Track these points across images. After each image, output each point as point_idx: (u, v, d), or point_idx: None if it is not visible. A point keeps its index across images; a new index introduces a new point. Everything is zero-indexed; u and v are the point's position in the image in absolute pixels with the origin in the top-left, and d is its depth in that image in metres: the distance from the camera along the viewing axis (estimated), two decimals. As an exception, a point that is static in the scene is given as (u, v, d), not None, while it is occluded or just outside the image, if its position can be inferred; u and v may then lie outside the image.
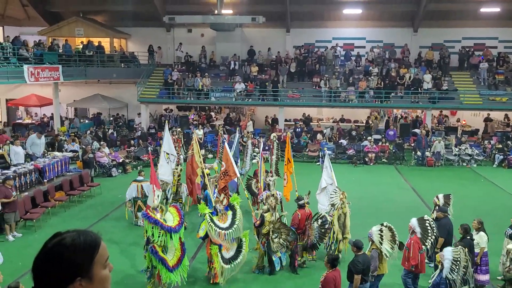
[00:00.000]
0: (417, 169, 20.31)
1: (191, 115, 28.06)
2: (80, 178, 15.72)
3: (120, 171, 18.88)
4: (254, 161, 15.81)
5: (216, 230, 8.94)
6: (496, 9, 25.66)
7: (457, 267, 7.13)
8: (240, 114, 28.84)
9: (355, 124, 26.07)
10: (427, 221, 8.54)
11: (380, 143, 21.89)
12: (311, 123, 26.13)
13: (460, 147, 21.33)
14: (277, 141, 14.51)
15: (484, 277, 8.93)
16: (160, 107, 28.40)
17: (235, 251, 9.47)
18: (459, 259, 7.14)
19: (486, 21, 26.45)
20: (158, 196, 10.23)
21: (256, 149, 15.48)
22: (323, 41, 27.94)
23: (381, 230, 8.25)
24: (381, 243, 8.14)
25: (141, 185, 12.64)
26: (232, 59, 27.00)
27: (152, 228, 8.52)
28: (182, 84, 25.60)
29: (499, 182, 17.89)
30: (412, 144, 22.33)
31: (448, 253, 7.39)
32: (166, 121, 15.53)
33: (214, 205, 9.84)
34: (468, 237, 8.60)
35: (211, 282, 9.29)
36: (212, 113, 29.25)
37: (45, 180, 14.39)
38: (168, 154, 12.59)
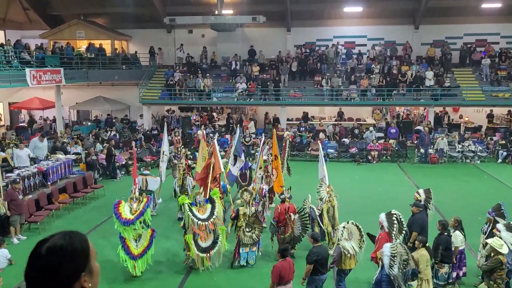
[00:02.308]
0: (420, 167, 20.26)
1: (193, 116, 28.08)
2: (84, 180, 15.76)
3: (123, 172, 18.91)
4: (265, 157, 15.98)
5: (193, 220, 9.59)
6: (498, 5, 25.56)
7: (395, 262, 7.21)
8: (242, 114, 28.84)
9: (358, 122, 26.03)
10: (394, 215, 8.69)
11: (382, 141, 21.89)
12: (312, 122, 26.13)
13: (463, 144, 21.27)
14: (290, 139, 14.81)
15: (454, 274, 8.96)
16: (162, 108, 28.44)
17: (211, 243, 9.88)
18: (396, 254, 7.22)
19: (488, 16, 26.36)
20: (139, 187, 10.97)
21: (267, 146, 15.73)
22: (324, 40, 27.92)
23: (344, 227, 8.41)
24: (347, 240, 8.27)
25: (146, 179, 13.30)
26: (233, 59, 27.00)
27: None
28: (184, 85, 25.61)
29: (503, 179, 17.83)
30: (415, 142, 22.29)
31: (386, 249, 7.48)
32: (166, 123, 15.95)
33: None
34: (446, 233, 8.64)
35: (190, 267, 9.91)
36: (214, 114, 29.27)
37: (49, 183, 14.42)
38: (164, 153, 13.50)
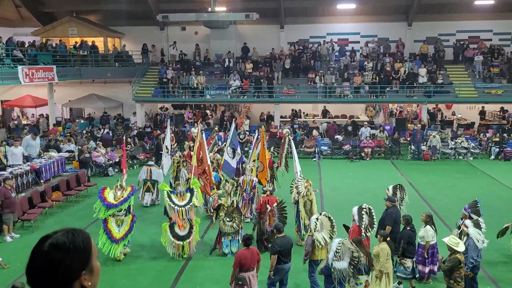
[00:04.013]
0: (413, 163, 20.35)
1: (187, 113, 28.02)
2: (77, 178, 15.69)
3: (117, 170, 18.81)
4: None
5: (171, 205, 10.21)
6: (490, 2, 25.68)
7: (337, 258, 7.44)
8: (236, 111, 28.79)
9: (351, 119, 26.06)
10: (364, 209, 8.95)
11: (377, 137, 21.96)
12: (306, 119, 26.17)
13: (456, 141, 21.38)
14: (289, 136, 15.19)
15: (427, 269, 9.09)
16: (156, 106, 28.35)
17: (188, 231, 10.38)
18: (339, 250, 7.46)
19: (480, 13, 26.47)
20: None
21: None
22: (318, 37, 27.93)
23: (317, 219, 8.60)
24: (318, 231, 8.45)
25: (150, 169, 14.34)
26: (226, 56, 26.96)
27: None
28: (177, 82, 25.55)
29: (496, 175, 17.95)
30: (408, 139, 22.39)
31: (334, 244, 7.71)
32: (168, 120, 16.65)
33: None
34: (408, 228, 8.82)
35: (174, 256, 10.34)
36: (208, 111, 29.20)
37: (42, 181, 14.35)
38: (167, 149, 14.29)
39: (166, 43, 28.91)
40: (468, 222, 8.70)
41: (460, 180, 17.47)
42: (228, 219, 10.44)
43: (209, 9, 24.39)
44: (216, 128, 22.58)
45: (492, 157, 20.88)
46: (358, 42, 27.73)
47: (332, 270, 7.46)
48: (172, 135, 21.30)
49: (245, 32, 28.45)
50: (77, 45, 26.41)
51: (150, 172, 14.27)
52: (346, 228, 9.12)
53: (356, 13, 27.35)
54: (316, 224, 8.48)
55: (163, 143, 20.64)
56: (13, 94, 26.69)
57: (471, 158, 20.86)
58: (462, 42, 26.56)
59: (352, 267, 7.35)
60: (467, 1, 25.93)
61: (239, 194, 12.69)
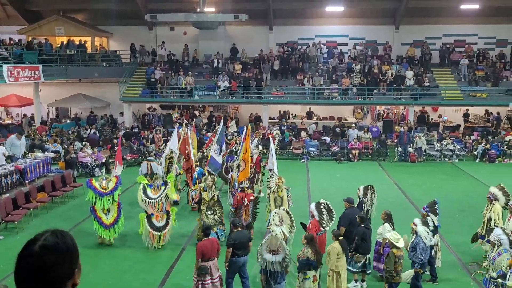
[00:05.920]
0: (400, 165, 20.50)
1: (175, 114, 27.90)
2: (63, 179, 15.50)
3: (103, 171, 18.66)
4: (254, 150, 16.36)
5: (142, 198, 10.76)
6: (476, 6, 26.03)
7: (263, 249, 7.74)
8: (225, 112, 28.74)
9: (339, 121, 26.16)
10: (322, 204, 9.24)
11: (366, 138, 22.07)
12: (294, 121, 26.25)
13: (442, 143, 21.60)
14: (279, 137, 15.42)
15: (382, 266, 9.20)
16: (143, 106, 28.19)
17: (165, 222, 10.88)
18: (264, 242, 7.79)
19: (466, 17, 26.82)
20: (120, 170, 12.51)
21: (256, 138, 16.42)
22: (306, 39, 28.04)
23: (275, 213, 8.87)
24: (277, 225, 8.65)
25: (150, 164, 14.95)
26: (215, 57, 26.91)
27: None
28: (165, 82, 25.43)
29: (480, 177, 18.13)
30: (395, 141, 22.56)
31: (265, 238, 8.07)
32: (177, 124, 17.12)
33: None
34: (363, 225, 9.01)
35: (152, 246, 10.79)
36: (196, 112, 29.10)
37: (27, 181, 14.15)
38: (172, 150, 14.79)
39: (154, 43, 28.77)
40: (416, 220, 8.85)
41: (445, 181, 17.64)
42: (209, 212, 10.84)
43: (198, 9, 24.34)
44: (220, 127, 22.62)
45: (478, 159, 21.07)
46: (347, 44, 27.90)
47: (260, 259, 7.69)
48: (160, 136, 21.26)
49: (234, 33, 28.44)
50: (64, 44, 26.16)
51: (150, 167, 14.79)
52: (304, 226, 9.34)
53: (345, 15, 27.53)
54: (274, 218, 8.69)
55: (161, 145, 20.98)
56: (-2, 93, 26.34)
57: (457, 160, 21.08)
58: (448, 46, 26.88)
59: (285, 264, 7.63)
60: (453, 5, 26.26)
61: (229, 191, 13.01)
